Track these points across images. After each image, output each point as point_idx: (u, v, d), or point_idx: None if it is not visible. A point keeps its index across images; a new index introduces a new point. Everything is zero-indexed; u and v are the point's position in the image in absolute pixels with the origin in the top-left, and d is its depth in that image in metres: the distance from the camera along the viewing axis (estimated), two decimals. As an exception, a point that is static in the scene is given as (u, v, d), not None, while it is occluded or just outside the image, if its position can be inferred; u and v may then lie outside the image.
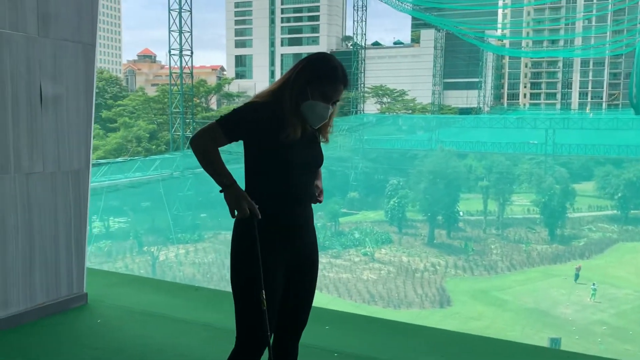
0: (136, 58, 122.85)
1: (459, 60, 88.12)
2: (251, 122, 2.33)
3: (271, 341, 2.45)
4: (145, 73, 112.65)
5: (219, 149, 2.39)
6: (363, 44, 53.84)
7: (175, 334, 4.05)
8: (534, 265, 34.15)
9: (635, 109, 47.44)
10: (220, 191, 2.36)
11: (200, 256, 35.25)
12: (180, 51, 38.07)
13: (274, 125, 2.31)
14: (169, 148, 42.79)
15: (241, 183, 2.43)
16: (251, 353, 2.42)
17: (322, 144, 2.52)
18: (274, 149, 2.33)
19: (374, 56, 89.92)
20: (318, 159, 2.49)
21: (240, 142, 2.42)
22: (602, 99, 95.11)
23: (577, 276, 30.45)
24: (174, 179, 38.33)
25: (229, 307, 4.90)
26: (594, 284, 28.53)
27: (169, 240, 37.23)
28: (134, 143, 47.69)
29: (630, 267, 31.32)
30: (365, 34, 52.81)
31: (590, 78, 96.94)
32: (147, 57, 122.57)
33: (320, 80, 2.34)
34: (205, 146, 2.35)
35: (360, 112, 52.09)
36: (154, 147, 47.79)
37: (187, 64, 38.94)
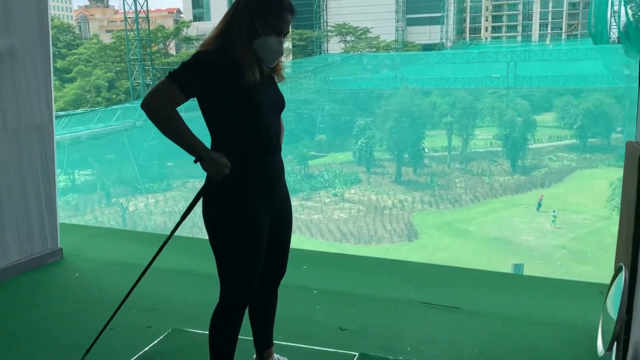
0: (87, 3, 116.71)
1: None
2: (207, 72, 2.16)
3: None
4: (99, 19, 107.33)
5: None
6: (323, -19, 52.28)
7: (155, 283, 4.11)
8: (497, 196, 35.24)
9: (594, 38, 47.96)
10: (195, 161, 2.21)
11: (171, 205, 35.12)
12: (134, -6, 36.40)
13: (232, 71, 2.17)
14: (129, 97, 41.61)
15: (202, 131, 2.33)
16: (239, 309, 2.41)
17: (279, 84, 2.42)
18: (238, 96, 2.19)
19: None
20: (282, 100, 2.39)
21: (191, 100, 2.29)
22: (561, 29, 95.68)
23: (539, 205, 31.62)
24: (137, 129, 37.51)
25: (205, 253, 4.98)
26: (554, 211, 29.73)
27: (137, 191, 36.88)
28: (93, 93, 46.15)
29: (588, 194, 32.59)
30: (325, -30, 51.19)
31: (550, 9, 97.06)
32: (99, 2, 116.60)
33: (268, 13, 2.20)
34: (165, 111, 2.14)
35: (324, 52, 51.27)
36: (114, 96, 46.37)
37: (142, 7, 37.33)
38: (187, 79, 2.16)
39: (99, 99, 46.03)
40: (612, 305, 1.99)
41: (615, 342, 1.95)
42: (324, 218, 32.65)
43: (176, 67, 2.21)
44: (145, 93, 38.21)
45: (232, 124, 2.24)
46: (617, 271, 2.09)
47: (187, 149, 2.20)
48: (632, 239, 2.34)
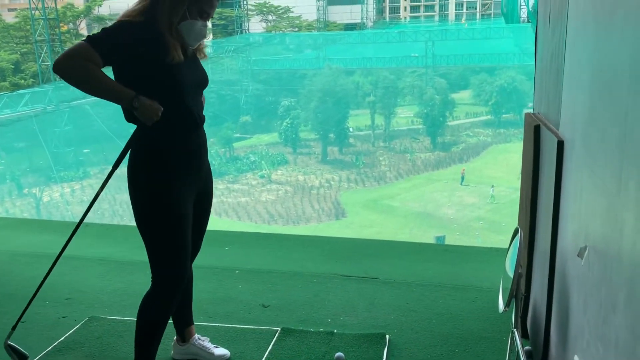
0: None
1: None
2: (129, 44, 2.12)
3: None
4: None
5: None
6: (242, -42, 51.14)
7: (70, 272, 3.96)
8: (419, 172, 36.46)
9: (506, 17, 50.20)
10: (128, 110, 2.17)
11: (88, 194, 33.58)
12: (38, -30, 34.03)
13: (155, 49, 2.14)
14: (37, 81, 39.13)
15: (118, 115, 2.28)
16: (173, 288, 2.37)
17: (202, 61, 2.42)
18: (161, 74, 2.17)
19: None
20: (205, 78, 2.40)
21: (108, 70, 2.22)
22: (476, 9, 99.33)
23: (462, 179, 33.05)
24: (49, 114, 35.42)
25: (124, 240, 4.85)
26: (492, 187, 30.95)
27: (52, 180, 34.98)
28: (-3, 77, 43.03)
29: (503, 167, 34.32)
30: (244, -53, 50.03)
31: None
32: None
33: None
34: (83, 67, 2.03)
35: (246, 32, 50.40)
36: (21, 81, 43.41)
37: (47, -16, 35.00)
38: (108, 45, 2.09)
39: (5, 83, 42.99)
40: (510, 265, 2.14)
41: (514, 299, 2.10)
42: (252, 200, 32.47)
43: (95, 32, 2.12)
44: (54, 76, 36.21)
45: (154, 96, 2.18)
46: (514, 233, 2.25)
47: (115, 99, 2.13)
48: (530, 203, 2.52)
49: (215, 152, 36.62)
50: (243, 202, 32.16)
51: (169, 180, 2.26)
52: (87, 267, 4.04)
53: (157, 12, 2.18)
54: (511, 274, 2.05)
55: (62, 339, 3.02)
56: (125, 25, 2.16)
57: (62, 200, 33.10)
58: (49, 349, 2.92)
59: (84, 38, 2.10)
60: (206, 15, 2.26)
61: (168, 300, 2.37)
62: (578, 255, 1.70)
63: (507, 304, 2.07)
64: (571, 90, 2.11)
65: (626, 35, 1.34)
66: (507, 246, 2.59)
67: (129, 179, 2.30)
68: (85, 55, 2.04)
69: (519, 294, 2.10)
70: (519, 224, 2.85)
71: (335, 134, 41.34)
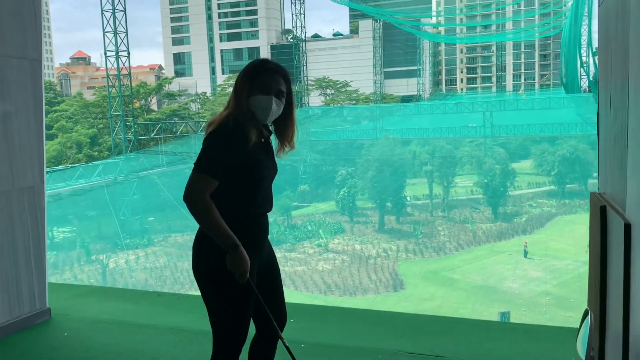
0: (69, 61, 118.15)
1: (397, 49, 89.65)
2: (226, 149, 2.39)
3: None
4: (80, 76, 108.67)
5: None
6: (303, 37, 53.93)
7: (144, 340, 4.15)
8: (480, 243, 35.50)
9: (566, 88, 49.81)
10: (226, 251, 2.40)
11: (152, 260, 34.66)
12: (117, 52, 37.07)
13: (239, 140, 2.41)
14: (112, 153, 41.66)
15: (184, 183, 2.50)
16: (232, 355, 2.54)
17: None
18: (243, 165, 2.42)
19: (315, 48, 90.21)
20: (276, 168, 2.63)
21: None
22: (534, 79, 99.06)
23: (525, 252, 31.88)
24: (119, 184, 37.40)
25: (194, 309, 5.03)
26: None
27: (118, 247, 36.38)
28: (74, 149, 46.16)
29: (569, 239, 33.02)
30: (304, 27, 52.89)
31: (523, 60, 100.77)
32: (81, 60, 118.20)
33: (254, 76, 2.48)
34: (202, 202, 2.35)
35: (306, 105, 52.30)
36: (96, 153, 46.41)
37: (124, 64, 37.96)
38: (215, 166, 2.40)
39: (80, 156, 45.99)
40: (581, 347, 2.13)
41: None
42: (308, 269, 32.45)
43: (200, 155, 2.41)
44: (126, 149, 38.44)
45: (233, 189, 2.43)
46: (584, 315, 2.25)
47: (220, 240, 2.39)
48: (600, 285, 2.51)
49: (274, 221, 37.26)
50: (300, 271, 32.18)
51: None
52: (161, 336, 4.21)
53: (234, 101, 2.49)
54: (583, 357, 2.04)
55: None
56: (215, 135, 2.43)
57: (127, 267, 34.22)
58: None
59: (193, 166, 2.40)
60: (268, 89, 2.48)
61: None
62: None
63: (580, 388, 2.05)
64: (636, 174, 2.16)
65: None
66: (576, 325, 2.57)
67: (194, 254, 2.51)
68: (202, 186, 2.37)
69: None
70: (588, 305, 2.82)
71: (393, 202, 41.23)
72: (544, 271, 29.43)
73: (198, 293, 2.67)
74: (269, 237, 2.70)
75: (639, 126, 2.09)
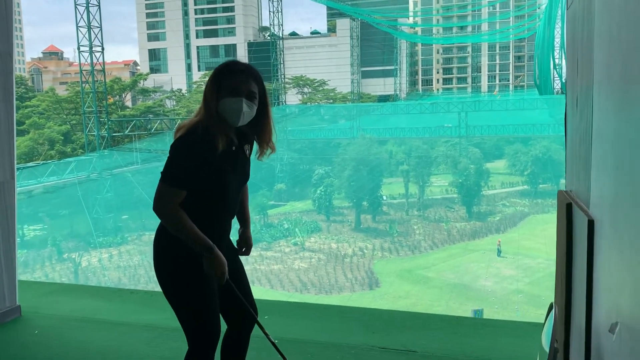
0: (41, 55, 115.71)
1: (374, 49, 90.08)
2: (191, 157, 2.37)
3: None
4: (53, 71, 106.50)
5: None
6: (280, 35, 53.78)
7: (117, 337, 4.12)
8: (454, 242, 35.94)
9: (539, 89, 50.67)
10: (201, 258, 2.41)
11: (125, 259, 34.23)
12: (90, 47, 36.49)
13: (206, 148, 2.38)
14: (85, 150, 40.99)
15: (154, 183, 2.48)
16: (207, 353, 2.56)
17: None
18: (208, 173, 2.40)
19: (292, 46, 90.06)
20: (245, 177, 2.62)
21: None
22: (509, 81, 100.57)
23: (499, 251, 32.37)
24: (92, 181, 36.84)
25: (168, 306, 4.99)
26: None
27: (91, 245, 35.85)
28: (46, 146, 45.28)
29: (541, 238, 33.64)
30: (282, 24, 52.74)
31: (498, 61, 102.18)
32: (54, 54, 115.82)
33: (222, 78, 2.43)
34: (172, 214, 2.36)
35: (282, 104, 52.22)
36: (69, 150, 45.57)
37: (97, 60, 37.36)
38: (181, 176, 2.38)
39: (52, 152, 45.13)
40: (546, 340, 2.20)
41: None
42: (284, 268, 32.44)
43: (166, 165, 2.40)
44: (100, 145, 37.85)
45: (198, 192, 2.42)
46: (549, 309, 2.32)
47: (192, 244, 2.40)
48: (565, 280, 2.59)
49: (250, 219, 37.06)
50: (276, 269, 32.14)
51: (191, 259, 2.44)
52: (134, 333, 4.19)
53: (203, 106, 2.46)
54: (547, 350, 2.11)
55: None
56: (180, 144, 2.40)
57: (100, 265, 33.74)
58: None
59: (160, 176, 2.39)
60: (236, 92, 2.42)
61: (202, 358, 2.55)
62: (610, 331, 1.78)
63: (544, 379, 2.12)
64: (599, 172, 2.24)
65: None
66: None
67: (154, 256, 2.52)
68: (170, 197, 2.37)
69: (556, 369, 2.15)
70: (555, 300, 2.90)
71: (369, 202, 41.46)
72: (516, 269, 29.94)
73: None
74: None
75: (603, 127, 2.17)
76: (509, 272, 29.84)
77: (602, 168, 2.17)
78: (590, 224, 2.24)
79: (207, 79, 2.53)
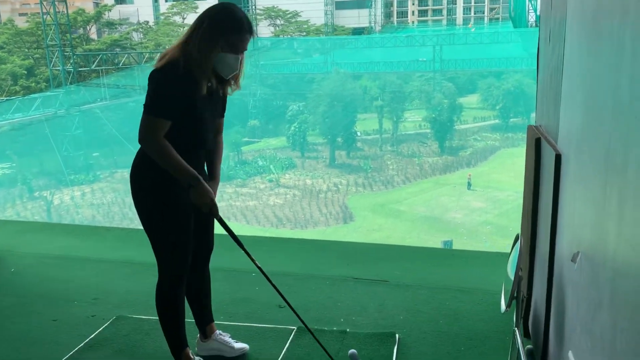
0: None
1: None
2: (172, 89, 2.41)
3: None
4: (11, 1, 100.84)
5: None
6: (251, -37, 51.47)
7: (96, 274, 4.18)
8: (426, 176, 36.53)
9: (513, 22, 50.17)
10: (187, 188, 2.46)
11: (98, 197, 33.97)
12: (50, -24, 34.49)
13: (187, 82, 2.41)
14: (49, 85, 39.60)
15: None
16: (180, 278, 2.67)
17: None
18: (185, 106, 2.44)
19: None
20: (221, 112, 2.70)
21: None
22: (484, 13, 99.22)
23: (469, 184, 33.09)
24: (60, 118, 35.83)
25: (145, 243, 5.05)
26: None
27: (62, 183, 35.37)
28: (9, 81, 43.55)
29: (510, 172, 34.29)
30: (253, -48, 50.32)
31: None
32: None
33: (228, 34, 2.44)
34: (157, 145, 2.39)
35: (255, 36, 50.80)
36: (32, 84, 43.91)
37: (58, -11, 35.43)
38: (164, 106, 2.40)
39: (17, 88, 43.51)
40: (511, 268, 2.32)
41: (515, 300, 2.27)
42: (260, 204, 32.70)
43: (148, 96, 2.40)
44: (65, 81, 36.61)
45: (174, 126, 2.45)
46: (515, 239, 2.43)
47: (178, 175, 2.45)
48: (531, 212, 2.70)
49: (225, 156, 36.89)
50: (251, 205, 32.37)
51: (168, 186, 2.51)
52: (113, 269, 4.25)
53: (192, 47, 2.43)
54: (512, 277, 2.23)
55: (92, 336, 3.22)
56: (161, 76, 2.41)
57: (73, 203, 33.46)
58: (81, 345, 3.12)
59: (144, 108, 2.40)
60: (238, 50, 2.49)
61: (174, 290, 2.67)
62: (572, 260, 1.88)
63: (508, 305, 2.25)
64: (567, 107, 2.29)
65: (611, 63, 1.53)
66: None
67: (132, 179, 2.57)
68: (154, 127, 2.40)
69: (520, 295, 2.28)
70: (521, 231, 3.03)
71: (343, 138, 41.48)
72: (485, 202, 30.77)
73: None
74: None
75: (574, 61, 2.20)
76: (478, 205, 30.67)
77: (571, 102, 2.22)
78: (558, 158, 2.31)
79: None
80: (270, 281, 2.70)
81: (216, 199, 2.74)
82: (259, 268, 2.66)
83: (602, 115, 1.64)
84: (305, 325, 2.72)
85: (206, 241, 2.82)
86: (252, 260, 2.65)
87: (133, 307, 3.58)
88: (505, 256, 4.60)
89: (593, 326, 1.62)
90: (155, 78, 2.41)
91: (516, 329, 2.32)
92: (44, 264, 4.41)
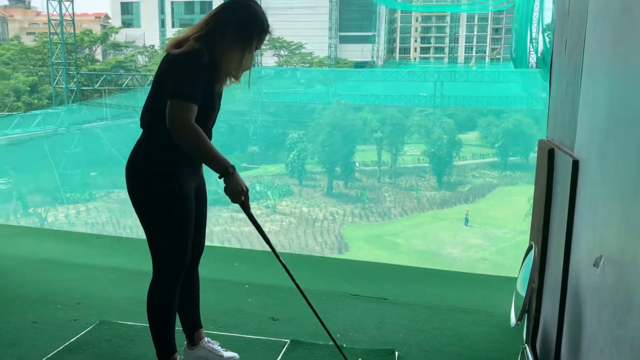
0: (7, 3, 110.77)
1: (353, 14, 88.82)
2: (199, 76, 2.30)
3: None
4: (19, 20, 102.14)
5: None
6: (258, -6, 52.38)
7: (82, 278, 4.01)
8: (424, 210, 36.40)
9: (514, 62, 50.84)
10: (220, 177, 2.30)
11: (93, 216, 33.68)
12: (59, -4, 35.00)
13: (210, 71, 2.34)
14: (52, 103, 39.76)
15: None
16: (175, 280, 2.51)
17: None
18: (204, 94, 2.33)
19: (270, 6, 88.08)
20: (219, 106, 2.59)
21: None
22: (485, 53, 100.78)
23: (466, 220, 32.94)
24: (60, 135, 35.82)
25: (134, 251, 4.89)
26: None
27: (57, 201, 35.12)
28: (12, 97, 43.73)
29: (508, 209, 34.26)
30: (260, -17, 51.22)
31: (475, 33, 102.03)
32: (20, 2, 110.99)
33: (254, 34, 2.38)
34: (192, 130, 2.24)
35: (258, 65, 51.27)
36: (35, 101, 44.08)
37: (67, 10, 35.90)
38: (195, 91, 2.28)
39: (19, 104, 43.69)
40: (522, 280, 2.18)
41: (526, 314, 2.13)
42: (255, 230, 32.37)
43: (175, 81, 2.26)
44: (68, 99, 36.79)
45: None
46: (528, 250, 2.30)
47: (212, 164, 2.29)
48: (543, 221, 2.57)
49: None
50: (247, 231, 32.06)
51: (173, 177, 2.38)
52: (99, 274, 4.08)
53: (213, 43, 2.32)
54: (523, 290, 2.09)
55: (73, 339, 3.04)
56: (194, 59, 2.28)
57: (67, 221, 33.13)
58: (61, 348, 2.94)
59: (171, 94, 2.25)
60: (254, 50, 2.45)
61: (169, 291, 2.49)
62: (594, 265, 1.75)
63: (519, 318, 2.10)
64: (587, 113, 2.20)
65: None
66: (515, 275, 2.66)
67: (132, 170, 2.41)
68: (187, 113, 2.23)
69: (531, 309, 2.14)
70: (531, 239, 2.89)
71: (342, 167, 41.51)
72: (483, 238, 30.58)
73: (138, 237, 2.56)
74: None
75: (596, 64, 2.11)
76: (476, 241, 30.46)
77: (591, 107, 2.12)
78: (575, 164, 2.22)
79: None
80: (302, 293, 2.67)
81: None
82: (288, 273, 2.68)
83: (631, 115, 1.55)
84: (335, 343, 2.62)
85: (198, 241, 2.66)
86: (284, 266, 2.52)
87: (118, 313, 3.40)
88: (509, 280, 4.45)
89: (621, 333, 1.48)
90: (181, 62, 2.28)
91: (526, 345, 2.16)
92: (31, 267, 4.24)
